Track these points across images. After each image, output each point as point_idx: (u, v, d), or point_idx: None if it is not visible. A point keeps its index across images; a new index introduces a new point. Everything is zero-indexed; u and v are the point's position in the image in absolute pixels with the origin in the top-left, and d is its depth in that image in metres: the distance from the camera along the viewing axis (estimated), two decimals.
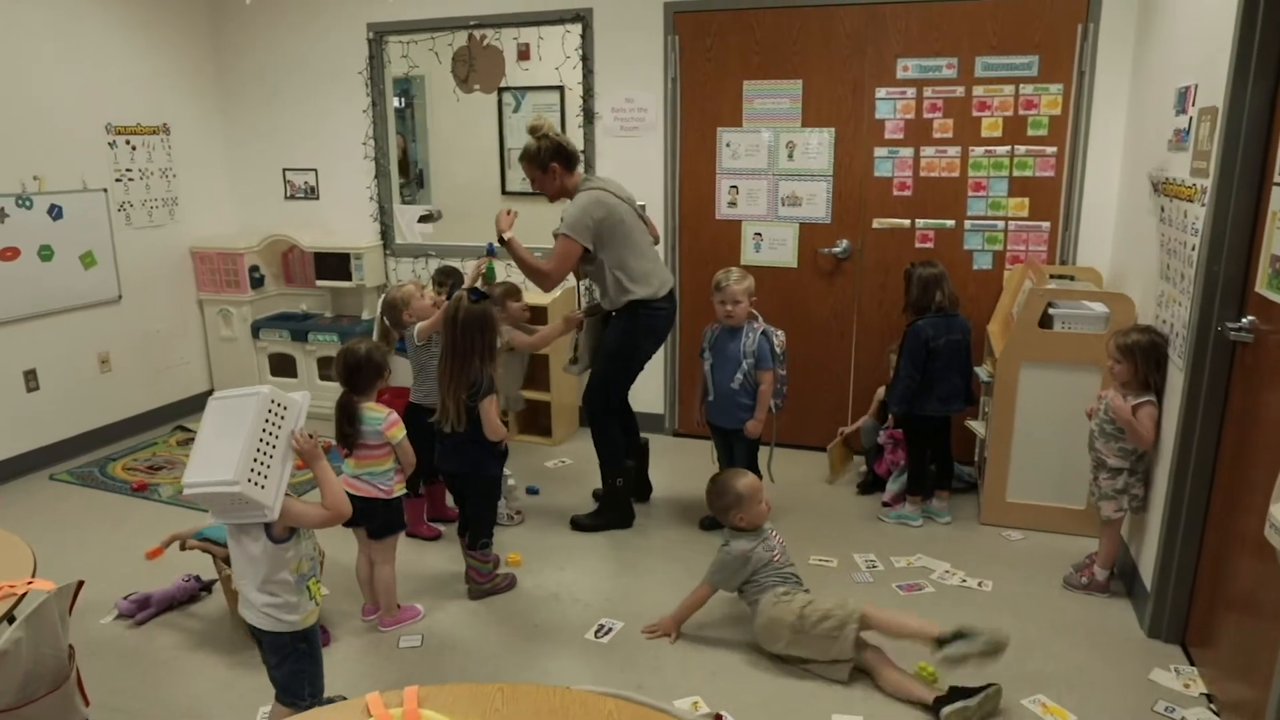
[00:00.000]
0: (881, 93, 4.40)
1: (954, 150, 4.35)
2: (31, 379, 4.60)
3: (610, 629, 3.17)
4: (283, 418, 2.19)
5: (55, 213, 4.63)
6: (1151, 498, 3.20)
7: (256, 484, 2.10)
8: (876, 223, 4.54)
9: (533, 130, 3.73)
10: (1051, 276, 4.05)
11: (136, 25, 5.04)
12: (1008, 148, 4.27)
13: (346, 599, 3.34)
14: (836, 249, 4.61)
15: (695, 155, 4.79)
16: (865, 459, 4.39)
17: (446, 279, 4.49)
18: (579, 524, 3.98)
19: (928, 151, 4.39)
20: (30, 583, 2.35)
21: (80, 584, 2.42)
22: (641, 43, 4.72)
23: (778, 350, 3.70)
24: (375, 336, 3.81)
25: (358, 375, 3.02)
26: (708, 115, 4.72)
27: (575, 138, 4.99)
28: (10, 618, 2.22)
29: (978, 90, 4.26)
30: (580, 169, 3.88)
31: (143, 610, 3.24)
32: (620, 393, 4.02)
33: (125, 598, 3.28)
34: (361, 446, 3.08)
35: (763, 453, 3.89)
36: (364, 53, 5.25)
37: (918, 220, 4.47)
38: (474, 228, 5.42)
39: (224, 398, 2.24)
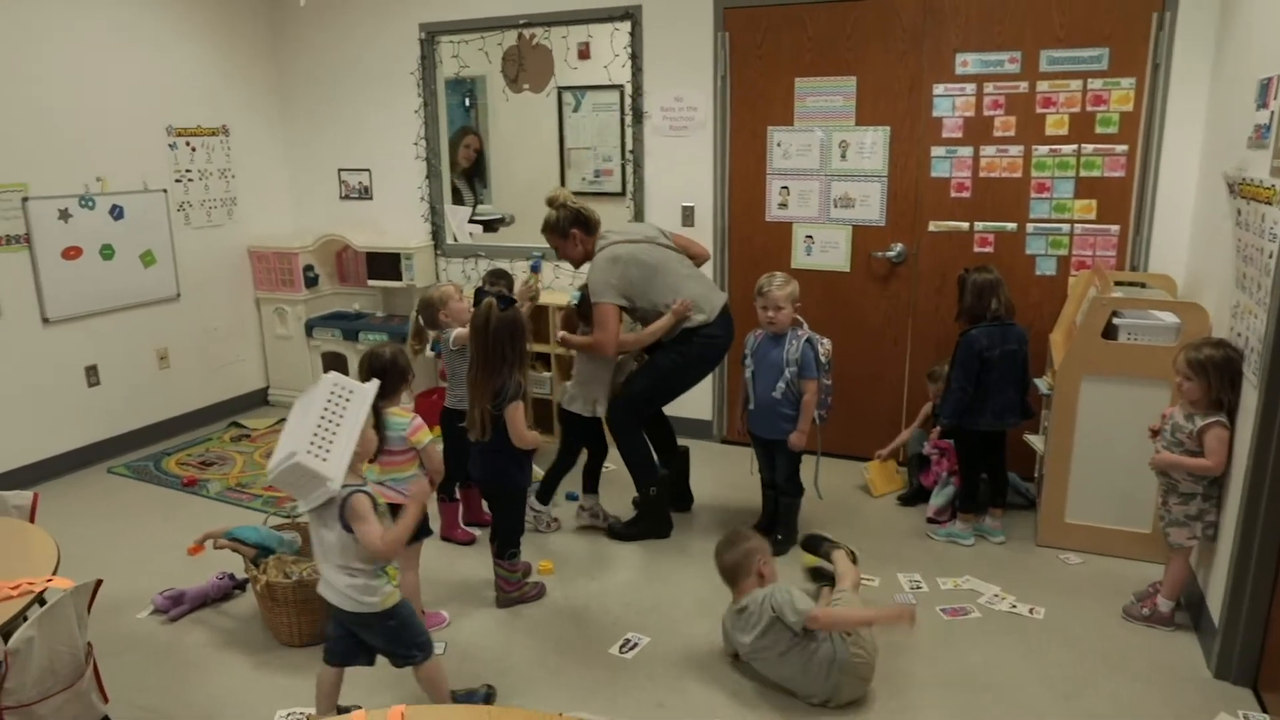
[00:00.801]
0: (939, 89, 4.20)
1: (1016, 149, 4.13)
2: (93, 374, 4.74)
3: (636, 644, 3.08)
4: (348, 400, 2.30)
5: (117, 213, 4.76)
6: (1221, 525, 2.96)
7: (317, 456, 2.19)
8: (933, 225, 4.34)
9: (550, 202, 3.81)
10: (1119, 284, 3.80)
11: (198, 29, 5.15)
12: (1074, 146, 4.03)
13: None
14: (891, 253, 4.43)
15: (745, 155, 4.66)
16: (909, 469, 4.20)
17: (497, 281, 4.46)
18: (615, 533, 3.91)
19: (988, 151, 4.17)
20: (50, 580, 2.38)
21: (99, 583, 2.44)
22: (691, 40, 4.62)
23: (823, 359, 3.56)
24: (409, 335, 3.80)
25: (384, 379, 2.98)
26: (758, 114, 4.58)
27: (614, 136, 4.92)
28: (26, 615, 2.25)
29: (1042, 85, 4.03)
30: (600, 231, 3.84)
31: (176, 606, 3.29)
32: (652, 412, 3.97)
33: (161, 593, 3.32)
34: (386, 452, 3.04)
35: (806, 464, 3.74)
36: (416, 53, 5.27)
37: (976, 223, 4.26)
38: (531, 230, 5.38)
39: (307, 391, 2.38)
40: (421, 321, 3.76)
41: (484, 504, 3.89)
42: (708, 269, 4.47)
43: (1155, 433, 3.12)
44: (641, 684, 2.85)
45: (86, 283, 4.64)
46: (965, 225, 4.28)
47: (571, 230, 3.76)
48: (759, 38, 4.49)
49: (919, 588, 3.42)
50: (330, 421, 2.25)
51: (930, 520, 3.90)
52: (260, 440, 5.09)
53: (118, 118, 4.74)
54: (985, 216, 4.24)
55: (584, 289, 3.77)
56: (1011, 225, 4.20)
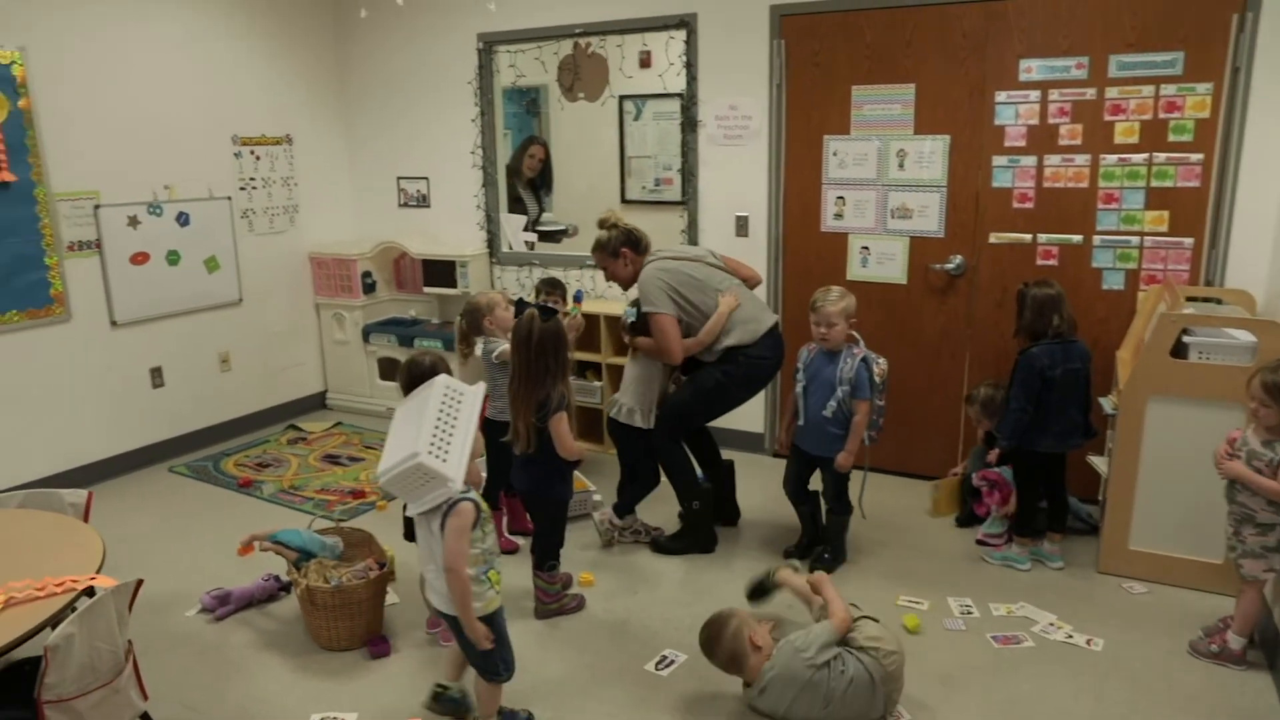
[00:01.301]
0: (1001, 96, 4.06)
1: (1082, 158, 3.96)
2: (158, 376, 4.88)
3: (673, 661, 3.02)
4: (460, 402, 2.35)
5: (183, 219, 4.90)
6: None
7: (438, 456, 2.23)
8: (994, 237, 4.19)
9: (601, 222, 3.81)
10: (1191, 299, 3.61)
11: (265, 41, 5.29)
12: (1145, 155, 3.85)
13: (412, 609, 3.33)
14: (949, 265, 4.29)
15: (800, 164, 4.57)
16: (962, 491, 4.06)
17: (553, 290, 4.46)
18: (659, 546, 3.86)
19: (1052, 160, 4.02)
20: (93, 579, 2.43)
21: (139, 583, 2.48)
22: (747, 48, 4.56)
23: (877, 379, 3.45)
24: (456, 341, 3.82)
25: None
26: (814, 123, 4.50)
27: (674, 144, 4.89)
28: (73, 608, 2.31)
29: (1111, 92, 3.87)
30: (649, 257, 3.80)
31: (222, 606, 3.34)
32: (692, 429, 3.91)
33: (208, 593, 3.39)
34: None
35: (855, 480, 3.64)
36: (474, 63, 5.32)
37: (1040, 235, 4.10)
38: (590, 238, 5.39)
39: (411, 396, 2.46)
40: (465, 326, 3.77)
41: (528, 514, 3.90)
42: (758, 292, 4.39)
43: (1219, 461, 2.93)
44: (675, 703, 2.79)
45: (153, 287, 4.78)
46: (1028, 237, 4.13)
47: (622, 250, 3.75)
48: (816, 45, 4.41)
49: (970, 613, 3.28)
50: (446, 423, 2.30)
51: (982, 542, 3.76)
52: (315, 444, 5.18)
53: (186, 128, 4.88)
54: (1049, 228, 4.08)
55: (637, 304, 3.73)
56: (1077, 237, 4.04)
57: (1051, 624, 3.19)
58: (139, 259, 4.70)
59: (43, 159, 4.25)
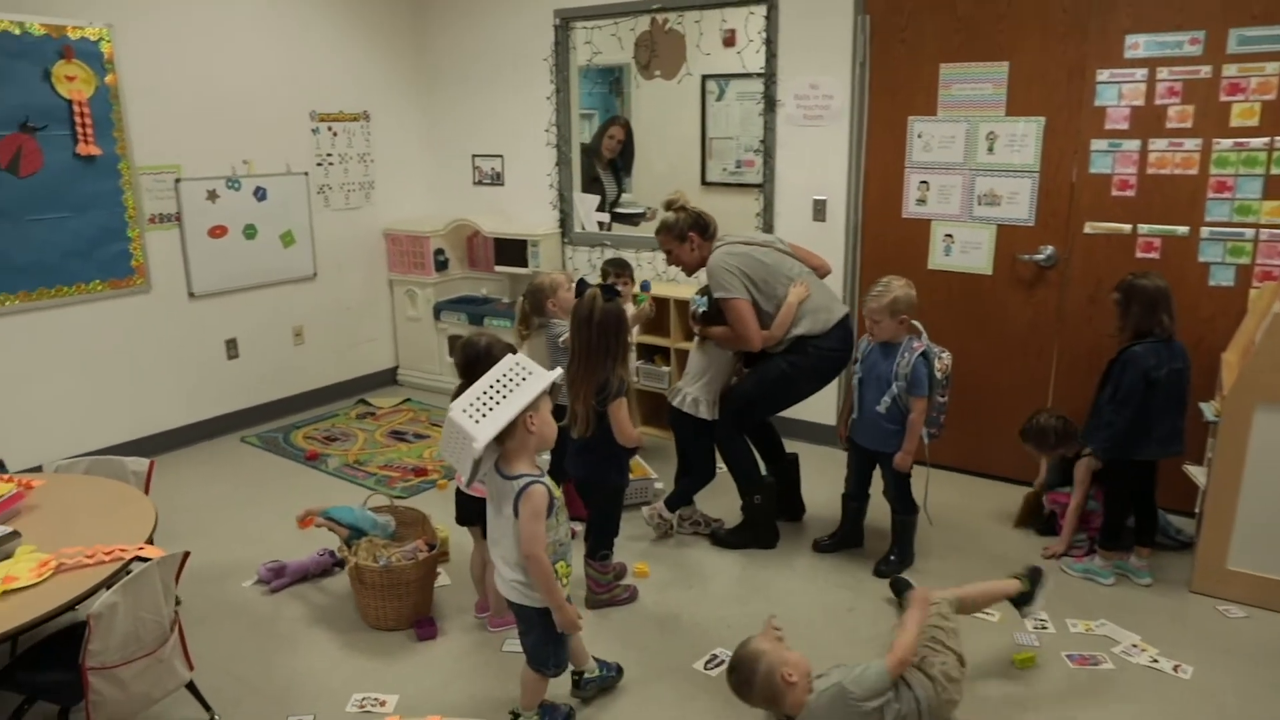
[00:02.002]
0: (1104, 75, 3.77)
1: (1192, 142, 3.65)
2: (232, 348, 4.98)
3: (723, 661, 2.90)
4: (523, 379, 2.32)
5: (260, 194, 4.98)
6: None
7: (471, 416, 2.23)
8: (1089, 227, 3.91)
9: (669, 204, 3.69)
10: None
11: (346, 18, 5.31)
12: (1266, 140, 3.52)
13: (463, 592, 3.30)
14: (1039, 256, 4.03)
15: (882, 147, 4.35)
16: (1038, 503, 3.81)
17: (623, 271, 4.37)
18: (719, 539, 3.74)
19: (1158, 144, 3.71)
20: (141, 549, 2.45)
21: (186, 554, 2.49)
22: (829, 23, 4.35)
23: (938, 375, 3.25)
24: (516, 320, 3.76)
25: (476, 368, 2.93)
26: (899, 103, 4.27)
27: (756, 126, 4.73)
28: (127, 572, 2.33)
29: (1229, 70, 3.54)
30: (716, 242, 3.66)
31: (278, 579, 3.37)
32: (757, 421, 3.77)
33: (265, 565, 3.42)
34: None
35: (918, 477, 3.45)
36: (550, 39, 5.24)
37: (1140, 225, 3.80)
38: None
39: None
40: (528, 308, 3.71)
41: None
42: (834, 279, 4.24)
43: None
44: (720, 706, 2.68)
45: (230, 260, 4.87)
46: (1127, 228, 3.83)
47: (689, 234, 3.62)
48: (903, 21, 4.18)
49: (1044, 628, 3.07)
50: (497, 391, 2.29)
51: (1053, 556, 3.52)
52: (383, 419, 5.22)
53: (265, 104, 4.95)
54: (1151, 218, 3.78)
55: (706, 292, 3.60)
56: (1182, 229, 3.73)
57: (1135, 645, 2.95)
58: (217, 232, 4.79)
59: (127, 133, 4.36)
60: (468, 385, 2.94)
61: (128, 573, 2.34)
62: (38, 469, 3.15)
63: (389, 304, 5.88)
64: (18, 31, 3.97)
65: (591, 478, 3.17)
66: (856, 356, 3.45)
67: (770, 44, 4.55)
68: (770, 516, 3.72)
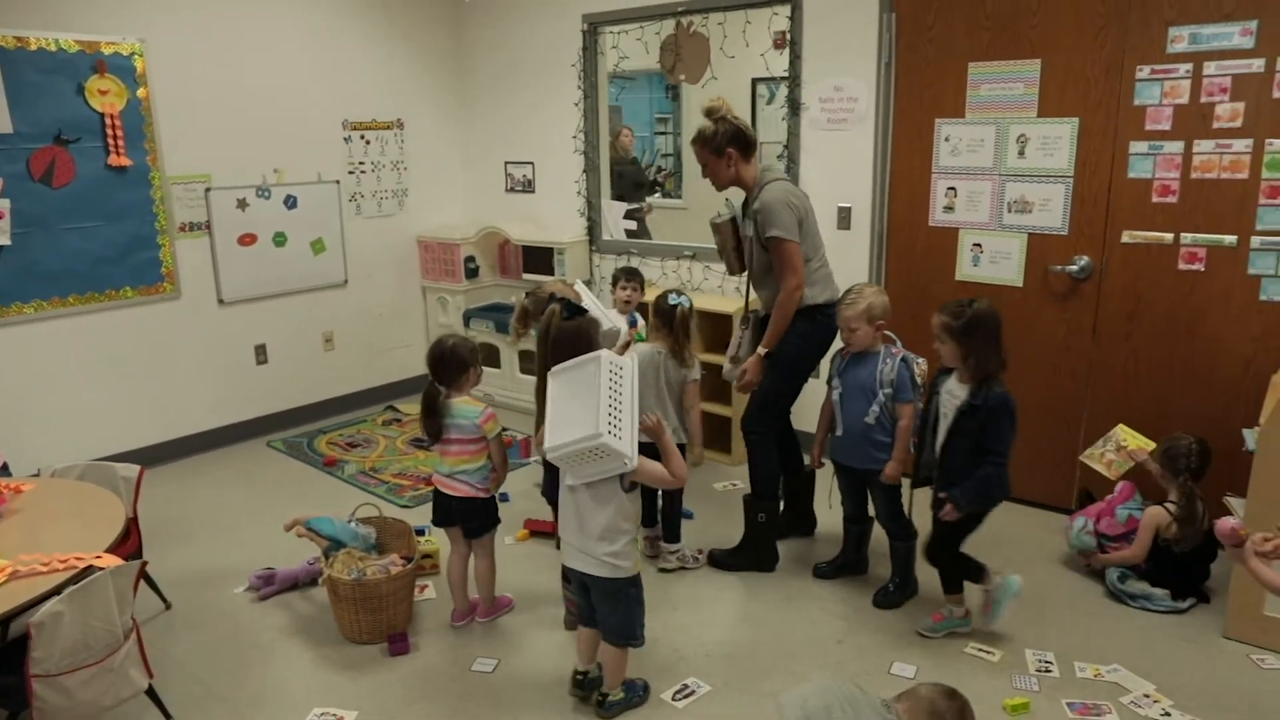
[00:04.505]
0: (1144, 71, 3.49)
1: (1243, 144, 3.34)
2: (261, 353, 5.08)
3: (693, 692, 2.78)
4: (621, 377, 2.40)
5: (291, 202, 5.06)
6: None
7: (615, 435, 2.29)
8: (1127, 236, 3.62)
9: (709, 112, 3.36)
10: None
11: (379, 27, 5.37)
12: None
13: (448, 606, 3.25)
14: (1073, 267, 3.75)
15: (908, 151, 4.14)
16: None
17: (631, 279, 4.29)
18: (715, 560, 3.60)
19: (1203, 146, 3.41)
20: (98, 557, 2.47)
21: (144, 563, 2.51)
22: (854, 23, 4.16)
23: (918, 380, 3.09)
24: (514, 319, 3.71)
25: (440, 367, 3.03)
26: (925, 105, 4.05)
27: (780, 131, 4.57)
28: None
29: None
30: (757, 159, 3.46)
31: (267, 586, 3.39)
32: (787, 408, 3.58)
33: (256, 572, 3.44)
34: (454, 442, 3.04)
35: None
36: (578, 45, 5.18)
37: (1183, 234, 3.50)
38: (695, 223, 5.17)
39: (562, 370, 2.49)
40: (530, 308, 3.64)
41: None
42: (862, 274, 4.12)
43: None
44: None
45: (260, 267, 4.97)
46: (1168, 237, 3.53)
47: (728, 149, 3.32)
48: (930, 18, 3.96)
49: (1048, 671, 2.83)
50: (616, 400, 2.35)
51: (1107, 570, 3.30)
52: (408, 426, 5.24)
53: (297, 113, 5.03)
54: (1195, 227, 3.48)
55: (750, 212, 3.34)
56: (1230, 238, 3.41)
57: (1147, 695, 2.69)
58: (246, 240, 4.89)
59: (158, 144, 4.48)
60: (435, 385, 2.99)
61: (80, 581, 2.36)
62: (37, 474, 3.23)
63: (422, 310, 5.92)
64: (53, 49, 4.12)
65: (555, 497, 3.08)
66: (833, 372, 3.27)
67: (794, 45, 4.38)
68: (771, 537, 3.57)
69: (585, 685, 2.74)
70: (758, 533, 3.55)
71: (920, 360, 3.15)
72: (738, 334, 3.64)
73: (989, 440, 2.81)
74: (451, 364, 2.99)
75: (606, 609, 2.59)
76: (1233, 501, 3.19)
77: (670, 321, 3.42)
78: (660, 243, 5.30)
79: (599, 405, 2.30)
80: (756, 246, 3.39)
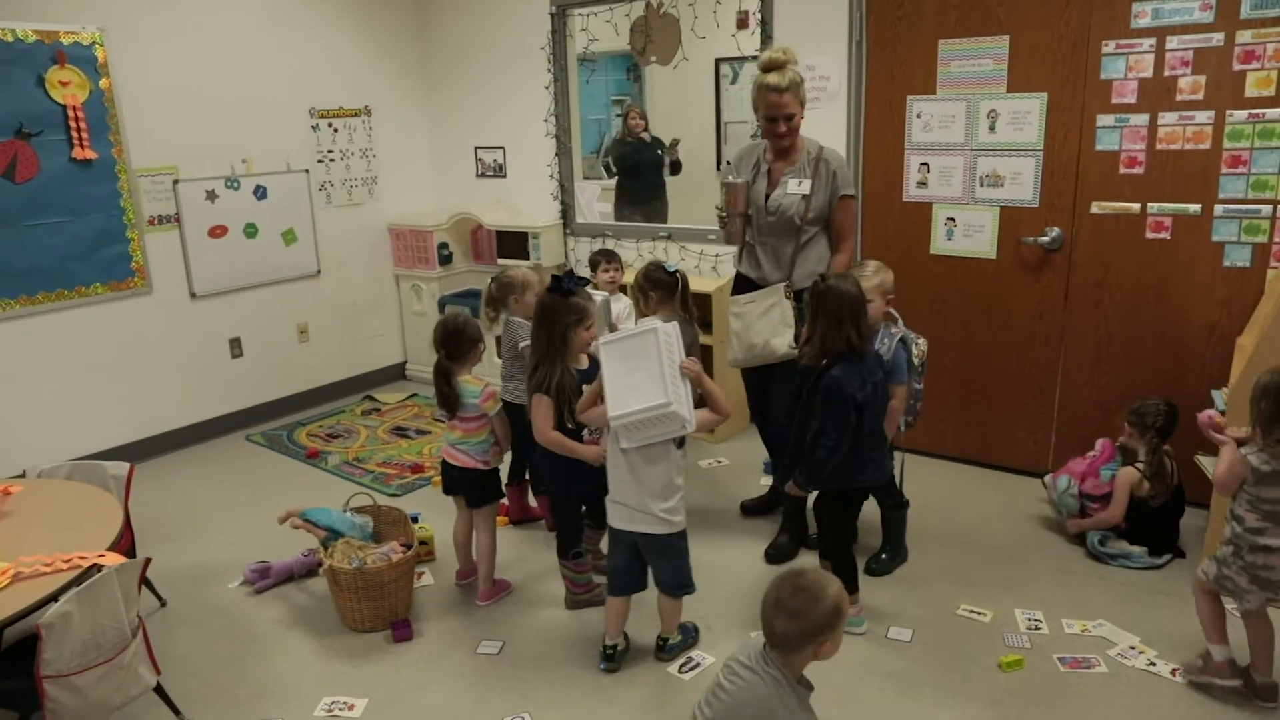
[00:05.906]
0: (1109, 46, 3.59)
1: (1204, 115, 3.46)
2: (236, 346, 5.01)
3: (698, 665, 2.84)
4: (671, 347, 2.51)
5: (260, 193, 4.99)
6: None
7: (679, 401, 2.43)
8: (1096, 207, 3.74)
9: (783, 63, 3.23)
10: None
11: (343, 13, 5.29)
12: None
13: (445, 592, 3.28)
14: (1044, 238, 3.86)
15: (881, 128, 4.21)
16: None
17: (610, 261, 4.30)
18: (747, 510, 3.77)
19: (1168, 118, 3.52)
20: (101, 556, 2.45)
21: (147, 561, 2.49)
22: (825, 3, 4.21)
23: (915, 361, 3.14)
24: (482, 303, 3.68)
25: (452, 342, 3.07)
26: (897, 82, 4.12)
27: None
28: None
29: (1243, 36, 3.34)
30: None
31: (263, 579, 3.38)
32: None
33: (250, 566, 3.42)
34: (461, 418, 3.10)
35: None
36: (547, 28, 5.16)
37: (1150, 204, 3.62)
38: (687, 207, 5.21)
39: (615, 340, 2.59)
40: (496, 293, 3.61)
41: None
42: None
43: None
44: (690, 711, 2.61)
45: (231, 260, 4.90)
46: (1136, 207, 3.65)
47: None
48: None
49: (1037, 628, 2.94)
50: (672, 368, 2.46)
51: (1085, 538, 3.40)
52: (388, 415, 5.22)
53: (263, 102, 4.95)
54: (1162, 197, 3.60)
55: (809, 172, 3.31)
56: (1195, 207, 3.54)
57: (1132, 647, 2.82)
58: (217, 232, 4.82)
59: (123, 136, 4.38)
60: (447, 360, 3.05)
61: (85, 581, 2.34)
62: (22, 475, 3.18)
63: (396, 299, 5.88)
64: (10, 39, 4.00)
65: (550, 476, 3.09)
66: None
67: (765, 25, 4.42)
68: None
69: (616, 658, 2.82)
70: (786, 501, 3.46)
71: (920, 340, 3.20)
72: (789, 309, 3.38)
73: (820, 422, 2.72)
74: (463, 339, 3.06)
75: (661, 563, 2.72)
76: (1204, 460, 3.32)
77: (673, 289, 3.50)
78: (635, 224, 5.32)
79: (662, 374, 2.43)
80: (809, 211, 3.29)
